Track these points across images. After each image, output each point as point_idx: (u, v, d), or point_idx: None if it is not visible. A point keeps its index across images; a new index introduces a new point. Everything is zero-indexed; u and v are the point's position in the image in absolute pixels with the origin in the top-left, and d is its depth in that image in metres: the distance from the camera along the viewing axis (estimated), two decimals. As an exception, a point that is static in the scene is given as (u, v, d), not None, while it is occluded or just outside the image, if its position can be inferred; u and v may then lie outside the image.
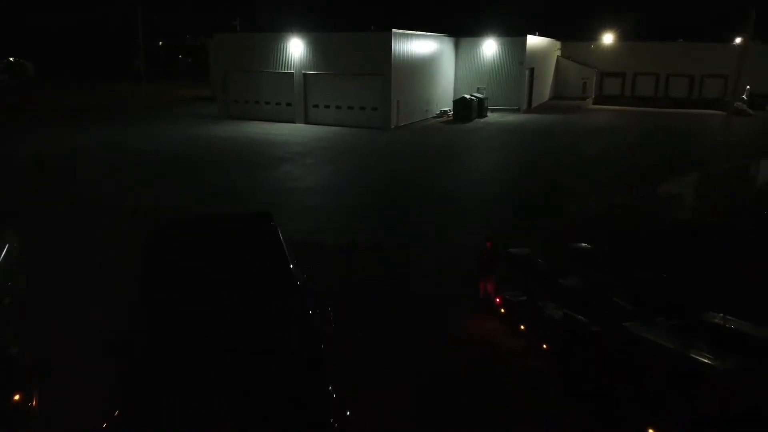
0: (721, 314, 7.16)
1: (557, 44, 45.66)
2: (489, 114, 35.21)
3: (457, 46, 37.18)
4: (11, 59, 58.75)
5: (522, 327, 8.79)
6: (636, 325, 6.92)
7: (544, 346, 8.21)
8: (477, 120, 33.56)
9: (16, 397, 4.52)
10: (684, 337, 6.50)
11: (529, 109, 38.17)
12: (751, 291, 9.05)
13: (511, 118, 34.73)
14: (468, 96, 34.14)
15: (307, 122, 31.98)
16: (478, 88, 36.40)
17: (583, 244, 9.60)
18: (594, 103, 42.90)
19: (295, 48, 31.33)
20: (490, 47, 36.53)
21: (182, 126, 30.80)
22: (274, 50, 32.01)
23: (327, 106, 31.62)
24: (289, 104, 32.50)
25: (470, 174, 20.26)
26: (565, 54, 46.15)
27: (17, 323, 5.98)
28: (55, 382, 6.06)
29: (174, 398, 4.83)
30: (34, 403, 5.00)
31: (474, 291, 9.94)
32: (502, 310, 9.33)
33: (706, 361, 5.91)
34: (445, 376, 7.71)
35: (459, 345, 8.53)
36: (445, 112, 34.92)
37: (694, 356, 6.04)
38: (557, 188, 17.39)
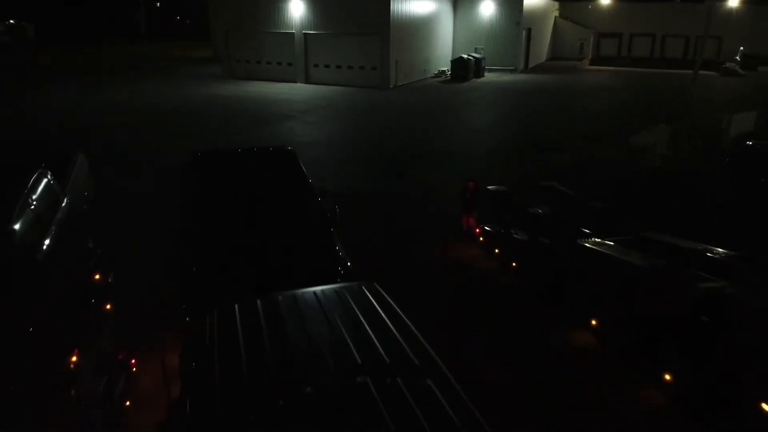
0: (657, 232, 8.71)
1: (555, 5, 46.38)
2: (486, 74, 36.31)
3: (455, 7, 38.04)
4: (11, 21, 59.32)
5: (497, 251, 10.36)
6: (585, 240, 8.47)
7: (514, 264, 9.79)
8: (474, 80, 34.71)
9: (96, 276, 6.05)
10: (622, 248, 8.06)
11: (526, 70, 39.23)
12: (694, 218, 10.61)
13: (507, 78, 35.86)
14: (465, 56, 35.19)
15: (308, 82, 33.14)
16: (475, 48, 37.40)
17: (550, 182, 11.12)
18: (591, 64, 43.84)
19: (296, 8, 32.30)
20: (487, 7, 37.40)
21: (187, 85, 31.99)
22: (275, 10, 32.97)
23: (327, 66, 32.75)
24: (290, 64, 33.61)
25: (463, 128, 21.66)
26: (562, 15, 46.90)
27: (93, 223, 7.66)
28: (125, 266, 8.04)
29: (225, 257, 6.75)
30: (110, 279, 6.61)
31: (458, 225, 11.50)
32: (481, 239, 10.90)
33: (635, 262, 7.46)
34: (433, 285, 9.29)
35: (445, 266, 10.10)
36: (443, 71, 36.02)
37: (625, 259, 7.59)
38: (542, 141, 18.82)
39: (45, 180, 6.77)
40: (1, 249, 5.26)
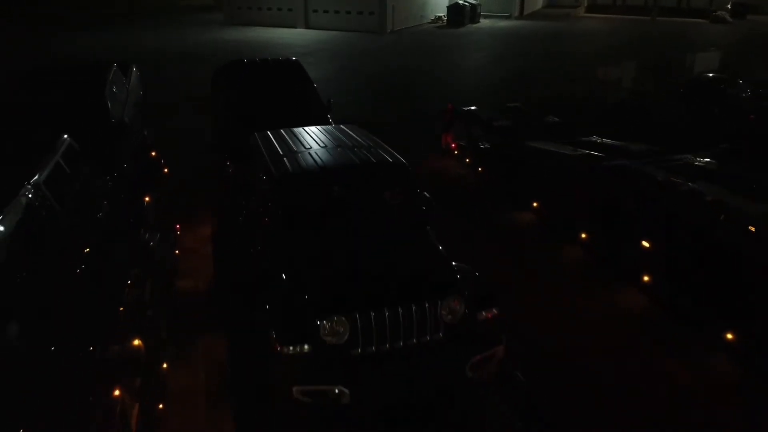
0: (597, 137, 10.86)
1: (553, -49, 47.34)
2: (482, 20, 37.82)
3: (452, -47, 39.24)
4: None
5: (467, 160, 12.53)
6: (532, 142, 10.64)
7: (479, 169, 11.98)
8: (469, 25, 36.27)
9: (153, 153, 8.26)
10: (558, 145, 10.23)
11: (521, 16, 40.68)
12: (640, 136, 12.74)
13: (502, 24, 37.39)
14: (461, 2, 36.65)
15: (307, 27, 34.76)
16: (471, -5, 38.80)
17: (516, 104, 13.24)
18: (586, 12, 45.13)
19: (296, -46, 33.70)
20: (484, -46, 38.62)
21: (192, 31, 33.66)
22: (276, -44, 34.36)
23: (326, 11, 34.31)
24: (290, 9, 35.15)
25: (455, 67, 23.61)
26: (560, -39, 47.89)
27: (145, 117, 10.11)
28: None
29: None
30: (166, 171, 8.92)
31: (438, 143, 13.65)
32: (456, 152, 13.06)
33: (566, 152, 9.63)
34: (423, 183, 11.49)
35: (430, 172, 12.30)
36: (440, 17, 37.54)
37: (560, 151, 9.77)
38: (527, 78, 20.81)
39: (119, 74, 8.99)
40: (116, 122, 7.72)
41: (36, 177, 4.63)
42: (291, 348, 4.93)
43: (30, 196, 4.34)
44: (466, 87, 20.02)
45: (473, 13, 36.83)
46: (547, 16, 41.78)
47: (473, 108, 13.15)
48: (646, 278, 7.65)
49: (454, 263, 5.74)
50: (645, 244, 7.68)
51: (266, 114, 9.22)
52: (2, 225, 3.77)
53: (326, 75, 22.08)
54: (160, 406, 5.74)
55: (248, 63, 11.97)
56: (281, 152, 6.83)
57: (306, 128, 7.73)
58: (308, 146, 6.99)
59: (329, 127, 8.00)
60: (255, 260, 6.61)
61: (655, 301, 7.54)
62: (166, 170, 9.13)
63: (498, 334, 5.49)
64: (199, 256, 8.74)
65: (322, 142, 7.18)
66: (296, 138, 7.31)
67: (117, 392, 4.24)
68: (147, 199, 7.27)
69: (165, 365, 6.29)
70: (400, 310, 5.11)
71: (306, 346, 4.93)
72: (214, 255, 8.57)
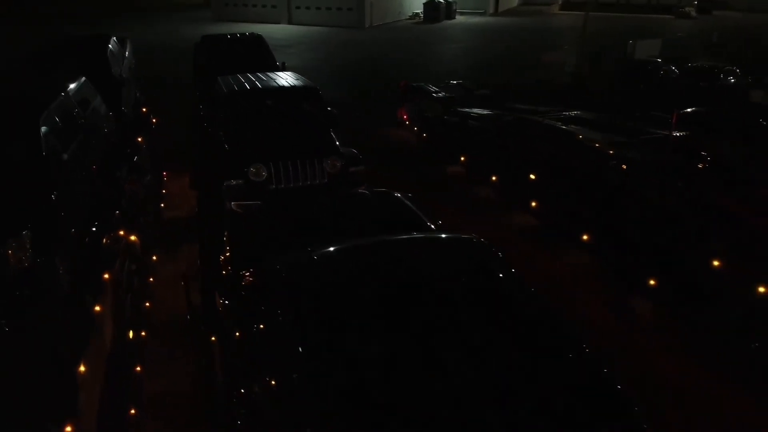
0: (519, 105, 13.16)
1: (530, -49, 49.77)
2: (457, 17, 40.18)
3: (430, -48, 41.61)
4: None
5: (416, 128, 14.82)
6: (461, 108, 12.95)
7: (424, 135, 14.27)
8: (445, 21, 38.64)
9: (144, 110, 10.50)
10: (483, 111, 12.53)
11: (496, 13, 43.08)
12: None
13: (476, 20, 39.78)
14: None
15: (290, 23, 37.02)
16: (448, -8, 41.17)
17: (459, 81, 15.58)
18: (560, 9, 47.55)
19: (279, -47, 35.96)
20: (460, -48, 41.01)
21: (183, 27, 35.84)
22: (260, -45, 36.63)
23: (308, 8, 36.60)
24: (274, 6, 37.41)
25: (426, 58, 25.94)
26: (537, -40, 50.32)
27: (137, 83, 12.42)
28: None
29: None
30: (154, 121, 11.20)
31: (395, 117, 15.95)
32: (408, 123, 15.35)
33: (483, 113, 11.93)
34: (377, 148, 13.79)
35: (384, 139, 14.59)
36: (417, 14, 39.89)
37: (480, 113, 12.06)
38: (488, 65, 23.15)
39: (116, 44, 11.25)
40: (117, 77, 10.06)
41: (66, 91, 6.92)
42: (232, 182, 8.50)
43: (63, 100, 6.64)
44: (433, 72, 22.33)
45: (449, 10, 39.19)
46: (521, 14, 44.22)
47: (422, 84, 15.45)
48: (533, 204, 9.94)
49: (339, 145, 9.16)
50: (531, 176, 9.96)
51: (231, 67, 11.81)
52: (52, 114, 6.10)
53: (305, 64, 24.34)
54: (150, 279, 7.96)
55: (221, 36, 15.97)
56: (232, 83, 10.21)
57: (253, 73, 10.80)
58: (251, 80, 10.32)
59: (271, 72, 11.21)
60: (215, 150, 9.64)
61: (539, 219, 9.84)
62: (154, 120, 11.58)
63: (361, 179, 9.06)
64: (181, 196, 11.00)
65: (262, 79, 10.45)
66: (245, 78, 10.54)
67: (116, 267, 6.41)
68: (140, 139, 9.54)
69: (155, 257, 8.51)
70: (299, 163, 8.64)
71: (239, 181, 8.50)
72: (192, 187, 10.92)
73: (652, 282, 7.24)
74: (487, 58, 26.05)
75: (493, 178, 11.12)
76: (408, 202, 5.99)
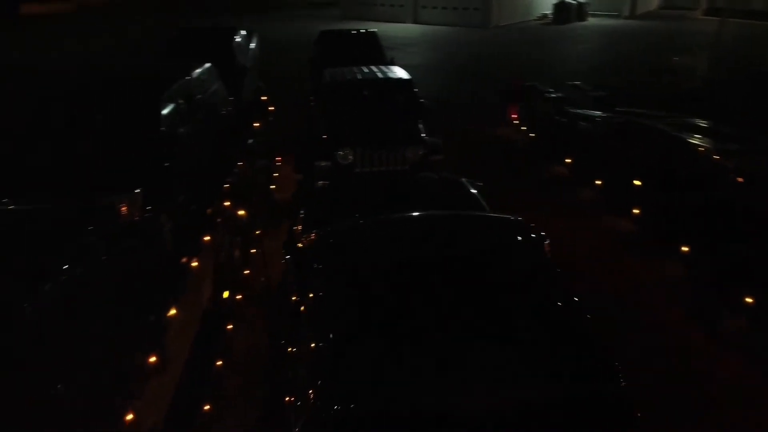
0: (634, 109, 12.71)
1: (675, -49, 47.11)
2: (589, 19, 38.92)
3: (564, -48, 40.64)
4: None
5: (524, 128, 14.73)
6: (573, 109, 12.72)
7: (532, 134, 14.15)
8: (575, 23, 37.55)
9: (263, 98, 11.38)
10: (596, 113, 12.25)
11: (632, 16, 41.22)
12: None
13: (609, 22, 38.32)
14: (568, 0, 38.05)
15: (416, 22, 37.62)
16: (581, -7, 40.00)
17: (576, 83, 15.26)
18: (704, 14, 44.66)
19: (410, -47, 36.68)
20: (596, -47, 39.71)
21: (313, 24, 37.49)
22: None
23: (434, 7, 37.02)
24: (401, 6, 38.20)
25: (549, 57, 25.54)
26: (682, -38, 47.55)
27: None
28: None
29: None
30: (271, 108, 12.10)
31: (504, 115, 15.94)
32: (517, 122, 15.29)
33: (594, 115, 11.66)
34: (482, 144, 13.96)
35: (491, 137, 14.68)
36: (546, 15, 39.09)
37: (590, 114, 11.81)
38: (614, 68, 22.45)
39: (243, 36, 12.29)
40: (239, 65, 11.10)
41: (189, 75, 7.79)
42: (322, 163, 9.49)
43: (186, 83, 7.48)
44: (555, 74, 21.95)
45: (580, 11, 38.06)
46: (660, 17, 42.00)
47: (535, 83, 15.31)
48: (635, 211, 9.65)
49: (425, 136, 9.65)
50: (636, 182, 9.67)
51: (342, 61, 12.56)
52: (173, 94, 6.96)
53: (424, 62, 24.79)
54: (253, 251, 8.64)
55: (337, 31, 17.37)
56: (334, 73, 11.16)
57: (357, 66, 11.64)
58: (352, 72, 11.24)
59: (375, 66, 11.92)
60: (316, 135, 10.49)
61: (640, 227, 9.55)
62: (271, 108, 12.48)
63: (441, 167, 9.48)
64: (290, 179, 11.74)
65: (363, 71, 11.33)
66: (348, 70, 11.46)
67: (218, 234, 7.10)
68: (256, 124, 10.39)
69: (258, 232, 9.21)
70: (382, 150, 9.46)
71: (328, 163, 9.46)
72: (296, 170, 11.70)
73: (749, 300, 6.89)
74: (613, 60, 25.15)
75: (598, 182, 10.88)
76: (471, 188, 6.24)
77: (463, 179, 6.59)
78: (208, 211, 7.11)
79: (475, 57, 26.02)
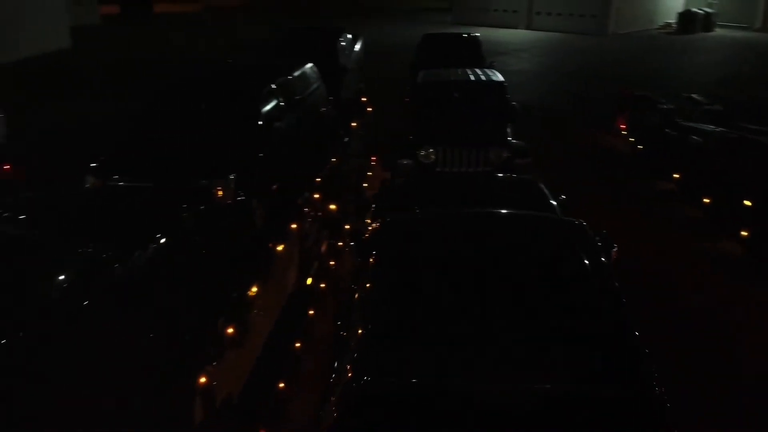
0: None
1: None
2: (717, 29, 36.67)
3: (694, -41, 38.57)
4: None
5: (632, 139, 14.18)
6: (684, 122, 12.09)
7: (639, 146, 13.59)
8: (701, 34, 35.51)
9: (363, 99, 11.71)
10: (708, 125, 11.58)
11: (764, 28, 38.39)
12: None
13: (738, 34, 35.91)
14: (694, 9, 36.06)
15: (529, 28, 37.00)
16: (708, 3, 37.78)
17: (691, 94, 14.47)
18: None
19: (527, -42, 36.17)
20: (730, -40, 37.37)
21: (423, 28, 37.75)
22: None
23: (549, 14, 36.26)
24: (515, 11, 37.70)
25: (668, 69, 24.38)
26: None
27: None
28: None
29: None
30: (369, 109, 12.48)
31: (612, 124, 15.42)
32: (624, 133, 14.74)
33: (707, 129, 11.03)
34: (583, 153, 13.63)
35: (596, 147, 14.29)
36: (669, 24, 37.23)
37: (703, 128, 11.18)
38: (737, 82, 21.14)
39: (348, 38, 12.75)
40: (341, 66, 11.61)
41: (290, 73, 8.22)
42: (404, 161, 9.51)
43: (286, 81, 7.91)
44: (672, 85, 20.93)
45: (707, 21, 35.92)
46: (799, 29, 38.83)
47: (646, 93, 14.70)
48: (743, 233, 9.06)
49: (511, 139, 9.56)
50: (746, 203, 9.08)
51: (441, 63, 12.69)
52: (274, 90, 7.38)
53: (533, 68, 24.42)
54: (340, 243, 8.92)
55: (439, 34, 18.02)
56: (428, 75, 11.40)
57: (451, 68, 11.78)
58: (445, 74, 11.44)
59: (470, 68, 11.90)
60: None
61: (746, 250, 8.95)
62: (370, 109, 12.73)
63: (526, 170, 9.29)
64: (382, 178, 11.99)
65: (456, 72, 11.42)
66: (442, 71, 11.63)
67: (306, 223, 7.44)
68: (354, 124, 10.71)
69: (347, 227, 9.49)
70: (465, 150, 9.34)
71: (410, 161, 9.49)
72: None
73: None
74: (736, 74, 23.59)
75: (706, 200, 10.30)
76: (546, 191, 6.17)
77: (541, 185, 6.50)
78: (299, 201, 7.46)
79: (587, 64, 25.25)
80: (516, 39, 32.76)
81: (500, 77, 11.38)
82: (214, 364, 4.68)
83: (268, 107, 7.23)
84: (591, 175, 12.44)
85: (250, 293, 5.37)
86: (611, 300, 4.10)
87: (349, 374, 3.59)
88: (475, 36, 16.98)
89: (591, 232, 4.72)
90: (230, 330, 4.91)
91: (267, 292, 5.69)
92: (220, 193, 5.73)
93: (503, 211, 5.22)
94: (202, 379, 4.44)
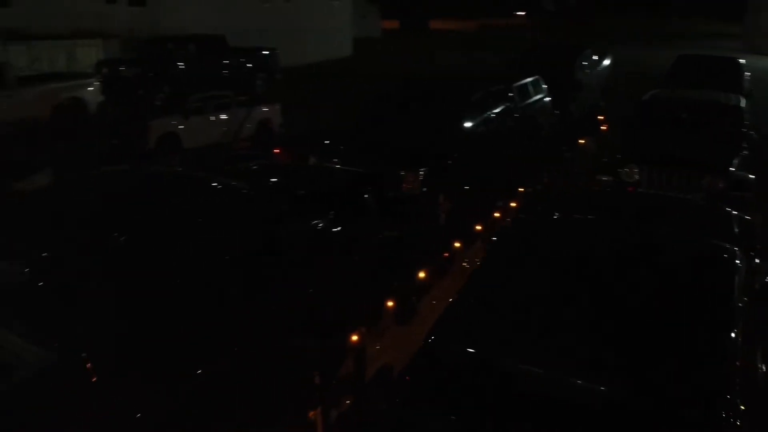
0: None
1: None
2: None
3: None
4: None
5: None
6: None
7: None
8: None
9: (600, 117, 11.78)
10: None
11: None
12: None
13: None
14: None
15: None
16: None
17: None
18: None
19: None
20: None
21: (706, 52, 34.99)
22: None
23: None
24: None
25: None
26: None
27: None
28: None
29: None
30: (604, 128, 12.37)
31: None
32: None
33: None
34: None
35: None
36: None
37: None
38: None
39: (590, 54, 12.95)
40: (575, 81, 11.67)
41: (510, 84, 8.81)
42: (603, 178, 8.93)
43: (500, 90, 8.49)
44: None
45: None
46: None
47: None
48: None
49: (734, 169, 8.56)
50: None
51: (695, 85, 12.31)
52: (486, 99, 8.02)
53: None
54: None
55: (697, 56, 17.47)
56: (660, 93, 11.06)
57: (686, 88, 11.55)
58: (676, 93, 11.23)
59: (718, 91, 11.27)
60: None
61: None
62: (604, 127, 12.39)
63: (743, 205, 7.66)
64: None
65: (694, 92, 11.18)
66: (678, 91, 11.62)
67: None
68: (582, 141, 10.73)
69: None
70: (674, 173, 8.57)
71: (610, 178, 8.84)
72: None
73: None
74: None
75: None
76: (734, 221, 5.48)
77: (734, 211, 5.80)
78: (497, 205, 7.87)
79: None
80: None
81: (739, 101, 10.50)
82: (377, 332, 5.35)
83: (467, 114, 8.02)
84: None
85: (417, 277, 5.89)
86: (723, 330, 3.77)
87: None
88: (736, 60, 15.89)
89: (743, 263, 4.28)
90: (389, 303, 5.48)
91: (437, 280, 6.17)
92: (410, 184, 6.45)
93: (657, 229, 4.98)
94: (354, 337, 5.05)
